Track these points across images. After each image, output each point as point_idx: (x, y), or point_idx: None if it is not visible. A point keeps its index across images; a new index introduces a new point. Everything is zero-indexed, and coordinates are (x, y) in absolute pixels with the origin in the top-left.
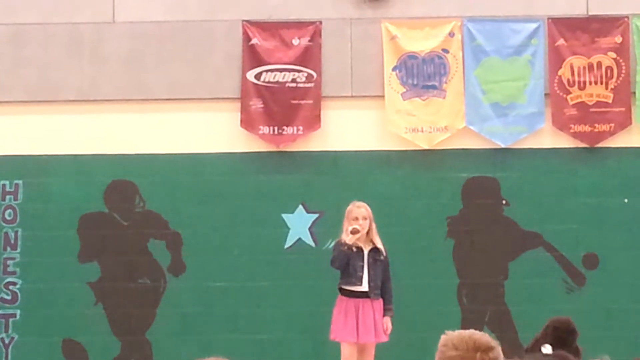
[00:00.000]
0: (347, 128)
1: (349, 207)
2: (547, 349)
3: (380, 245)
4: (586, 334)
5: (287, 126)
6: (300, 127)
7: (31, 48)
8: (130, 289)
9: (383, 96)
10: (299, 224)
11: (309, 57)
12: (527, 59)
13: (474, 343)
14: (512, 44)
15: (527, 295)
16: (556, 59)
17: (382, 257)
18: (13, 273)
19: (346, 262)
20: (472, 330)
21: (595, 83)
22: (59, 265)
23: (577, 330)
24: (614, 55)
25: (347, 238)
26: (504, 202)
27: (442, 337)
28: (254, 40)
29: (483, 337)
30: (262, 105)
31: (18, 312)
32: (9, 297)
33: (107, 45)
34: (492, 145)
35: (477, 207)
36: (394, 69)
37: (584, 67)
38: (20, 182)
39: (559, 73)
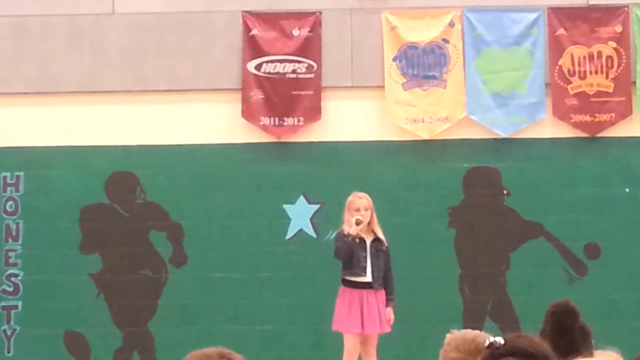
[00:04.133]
0: (347, 119)
1: (350, 198)
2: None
3: (381, 235)
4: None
5: (287, 117)
6: (301, 118)
7: (31, 40)
8: (131, 281)
9: (383, 86)
10: (300, 215)
11: (309, 47)
12: (527, 48)
13: (476, 346)
14: (513, 33)
15: (528, 285)
16: (556, 48)
17: (383, 248)
18: (15, 265)
19: (350, 253)
20: (476, 332)
21: (596, 73)
22: (60, 257)
23: (577, 310)
24: (614, 44)
25: (351, 229)
26: (505, 192)
27: (448, 335)
28: (254, 31)
29: (487, 339)
30: (262, 96)
31: (20, 303)
32: (10, 289)
33: (107, 37)
34: (492, 136)
35: (478, 198)
36: (394, 60)
37: (585, 57)
38: (22, 174)
39: (560, 63)
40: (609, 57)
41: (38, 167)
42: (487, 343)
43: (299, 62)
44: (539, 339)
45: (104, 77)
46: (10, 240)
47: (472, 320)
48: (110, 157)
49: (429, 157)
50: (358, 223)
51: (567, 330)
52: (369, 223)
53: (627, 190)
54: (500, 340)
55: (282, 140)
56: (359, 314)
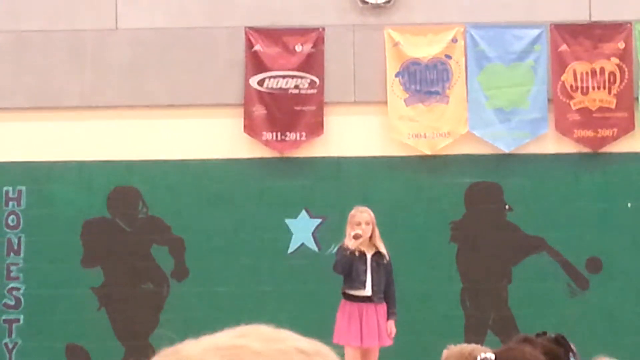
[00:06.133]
0: (350, 134)
1: (352, 212)
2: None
3: (383, 249)
4: (589, 338)
5: (290, 132)
6: (303, 133)
7: (33, 54)
8: (133, 294)
9: (386, 102)
10: (302, 229)
11: (311, 63)
12: (530, 64)
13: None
14: (515, 49)
15: (530, 299)
16: (559, 64)
17: (385, 262)
18: (16, 278)
19: (349, 266)
20: (473, 346)
21: (598, 88)
22: (62, 270)
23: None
24: (617, 60)
25: (350, 243)
26: (507, 207)
27: (444, 351)
28: (257, 47)
29: (484, 353)
30: (265, 112)
31: (21, 317)
32: (12, 303)
33: (109, 52)
34: (495, 151)
35: (480, 212)
36: (396, 75)
37: (587, 73)
38: (23, 188)
39: (562, 78)
40: (612, 73)
41: (40, 181)
42: (478, 359)
43: (302, 77)
44: (531, 349)
45: (106, 92)
46: (12, 254)
47: (474, 334)
48: (112, 171)
49: (431, 172)
50: (356, 237)
51: None
52: (370, 237)
53: (629, 205)
54: (490, 355)
55: (285, 155)
56: (358, 327)
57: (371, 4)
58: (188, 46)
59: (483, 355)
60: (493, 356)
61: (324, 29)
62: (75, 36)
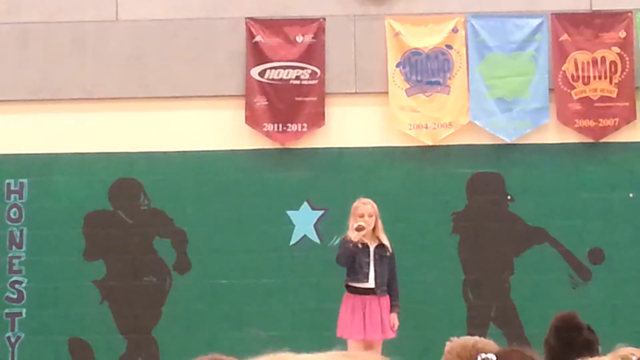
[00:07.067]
0: (351, 125)
1: (355, 204)
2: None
3: (386, 241)
4: (594, 332)
5: (291, 123)
6: (305, 124)
7: (35, 47)
8: (135, 287)
9: (387, 92)
10: (304, 221)
11: (312, 54)
12: (530, 54)
13: (477, 352)
14: (516, 39)
15: (532, 290)
16: (560, 54)
17: (388, 254)
18: (19, 272)
19: (352, 259)
20: (476, 338)
21: (600, 78)
22: (64, 263)
23: (581, 325)
24: (618, 50)
25: (353, 235)
26: (508, 197)
27: (447, 343)
28: (258, 38)
29: (487, 345)
30: (266, 103)
31: (24, 310)
32: (14, 296)
33: (110, 44)
34: (496, 141)
35: (481, 203)
36: (397, 65)
37: (588, 62)
38: (25, 180)
39: (563, 68)
40: (613, 63)
41: (42, 174)
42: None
43: (303, 68)
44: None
45: (108, 84)
46: (14, 247)
47: (476, 326)
48: (113, 163)
49: (432, 162)
50: (359, 229)
51: (570, 344)
52: (373, 229)
53: (631, 195)
54: (492, 357)
55: (286, 146)
56: (361, 320)
57: None
58: (189, 37)
59: (484, 355)
60: (494, 357)
61: (324, 19)
62: (76, 28)
